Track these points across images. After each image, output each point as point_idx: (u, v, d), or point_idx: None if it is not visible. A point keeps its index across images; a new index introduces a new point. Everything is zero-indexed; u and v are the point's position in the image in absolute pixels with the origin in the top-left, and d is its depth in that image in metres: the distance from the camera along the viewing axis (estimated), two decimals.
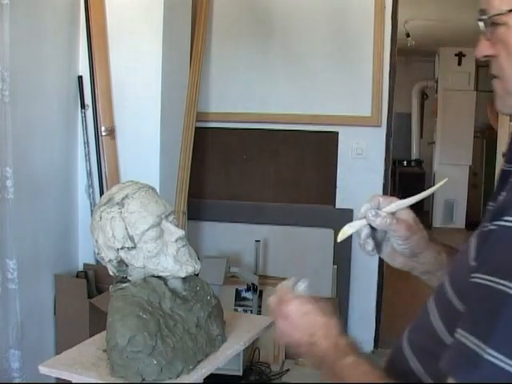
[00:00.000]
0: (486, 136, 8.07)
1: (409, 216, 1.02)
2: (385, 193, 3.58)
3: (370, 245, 1.02)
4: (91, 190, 2.93)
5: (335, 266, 3.50)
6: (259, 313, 3.35)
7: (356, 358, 0.89)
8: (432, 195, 8.12)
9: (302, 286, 1.03)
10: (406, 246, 1.02)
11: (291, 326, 0.98)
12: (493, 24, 0.81)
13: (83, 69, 2.91)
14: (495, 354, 0.65)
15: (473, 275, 0.73)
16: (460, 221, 7.65)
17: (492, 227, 0.72)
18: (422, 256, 1.04)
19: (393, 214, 1.01)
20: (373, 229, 1.02)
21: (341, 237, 1.04)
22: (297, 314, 0.97)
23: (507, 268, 0.67)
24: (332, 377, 0.91)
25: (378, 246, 1.05)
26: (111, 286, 1.20)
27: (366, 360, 0.88)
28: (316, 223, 3.54)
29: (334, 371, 0.91)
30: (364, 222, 1.01)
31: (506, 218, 0.70)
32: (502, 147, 6.65)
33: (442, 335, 0.83)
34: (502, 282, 0.67)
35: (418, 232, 1.02)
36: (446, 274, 0.90)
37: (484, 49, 0.86)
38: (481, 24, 0.84)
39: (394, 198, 1.03)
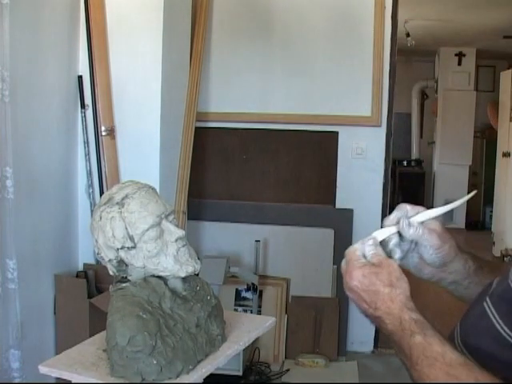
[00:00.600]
0: (485, 136, 8.08)
1: (437, 225, 1.02)
2: (385, 193, 3.59)
3: (398, 253, 1.00)
4: (91, 190, 2.94)
5: (335, 266, 3.50)
6: (259, 313, 3.36)
7: (422, 337, 0.86)
8: (432, 195, 8.13)
9: (367, 250, 0.97)
10: (438, 256, 1.02)
11: (357, 298, 0.94)
12: None
13: (83, 69, 2.91)
14: None
15: None
16: (460, 221, 7.65)
17: None
18: (451, 265, 1.04)
19: (422, 223, 1.01)
20: (400, 238, 1.01)
21: (380, 235, 1.01)
22: (360, 287, 0.93)
23: None
24: (403, 355, 0.88)
25: (404, 257, 1.03)
26: (111, 286, 1.20)
27: (434, 338, 0.85)
28: (316, 223, 3.54)
29: (402, 350, 0.88)
30: (394, 229, 1.00)
31: None
32: (501, 147, 6.65)
33: (508, 338, 0.82)
34: None
35: (448, 241, 1.02)
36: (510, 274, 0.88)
37: None
38: None
39: (420, 208, 1.02)
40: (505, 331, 0.84)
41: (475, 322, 0.92)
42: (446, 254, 1.02)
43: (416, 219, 1.00)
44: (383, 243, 1.00)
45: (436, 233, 1.01)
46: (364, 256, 0.96)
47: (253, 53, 3.61)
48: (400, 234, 1.01)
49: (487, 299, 0.91)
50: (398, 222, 1.01)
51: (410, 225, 0.99)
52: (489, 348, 0.86)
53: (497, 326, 0.86)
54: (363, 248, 0.97)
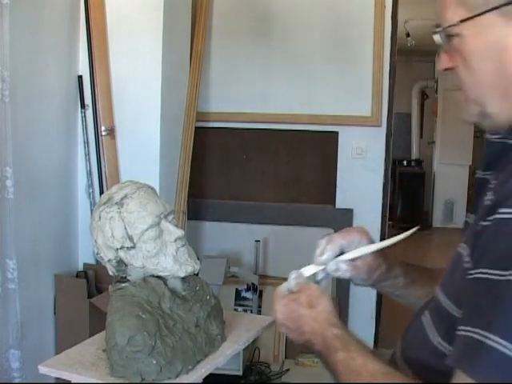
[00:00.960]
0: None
1: (367, 254, 1.07)
2: (385, 193, 3.58)
3: (324, 284, 1.08)
4: (91, 190, 2.94)
5: None
6: (259, 312, 3.35)
7: (345, 352, 0.87)
8: (432, 195, 8.13)
9: (291, 282, 1.03)
10: (366, 283, 1.10)
11: (287, 329, 0.99)
12: (448, 36, 0.84)
13: (83, 69, 2.91)
14: (499, 340, 0.65)
15: (470, 273, 0.74)
16: (460, 221, 7.63)
17: (485, 223, 0.73)
18: (379, 284, 1.11)
19: (353, 259, 1.06)
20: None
21: (304, 273, 1.07)
22: (284, 317, 0.98)
23: (506, 258, 0.68)
24: (332, 373, 0.90)
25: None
26: (110, 286, 1.20)
27: (357, 351, 0.87)
28: (316, 223, 3.54)
29: (330, 367, 0.90)
30: (321, 268, 1.06)
31: (501, 211, 0.71)
32: None
33: (442, 349, 0.83)
34: (501, 272, 0.68)
35: (377, 270, 1.08)
36: (437, 288, 0.90)
37: (444, 62, 0.89)
38: (436, 37, 0.87)
39: (355, 235, 1.07)
40: (438, 342, 0.85)
41: (415, 334, 0.93)
42: (374, 281, 1.09)
43: (347, 257, 1.05)
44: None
45: (365, 267, 1.06)
46: (290, 290, 1.02)
47: (253, 53, 3.61)
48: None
49: (425, 312, 0.92)
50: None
51: (337, 269, 1.05)
52: (426, 359, 0.87)
53: (431, 337, 0.87)
54: (288, 283, 1.03)
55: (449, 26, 0.83)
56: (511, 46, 0.78)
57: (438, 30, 0.86)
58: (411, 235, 1.05)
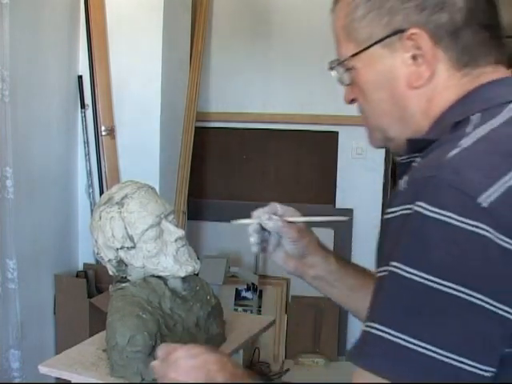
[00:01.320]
0: None
1: (300, 223, 1.14)
2: (385, 192, 3.59)
3: (255, 238, 1.13)
4: (91, 190, 2.93)
5: None
6: (259, 312, 3.36)
7: None
8: None
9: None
10: (297, 247, 1.12)
11: (184, 371, 0.97)
12: (346, 70, 0.92)
13: (83, 69, 2.91)
14: (381, 327, 0.70)
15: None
16: None
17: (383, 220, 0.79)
18: (310, 258, 1.14)
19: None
20: (268, 233, 1.13)
21: (235, 222, 1.16)
22: (187, 357, 0.97)
23: (386, 255, 0.73)
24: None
25: (272, 251, 1.16)
26: (111, 286, 1.20)
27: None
28: (316, 223, 3.53)
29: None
30: (256, 221, 1.12)
31: (387, 211, 0.76)
32: None
33: None
34: (382, 268, 0.73)
35: (307, 236, 1.14)
36: None
37: (347, 94, 0.96)
38: (333, 73, 0.95)
39: (289, 208, 1.15)
40: None
41: None
42: (305, 247, 1.13)
43: (286, 219, 1.12)
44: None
45: (296, 227, 1.12)
46: None
47: (253, 53, 3.61)
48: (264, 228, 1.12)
49: None
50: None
51: (270, 218, 1.10)
52: None
53: None
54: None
55: (343, 61, 0.91)
56: (399, 75, 0.85)
57: (333, 65, 0.94)
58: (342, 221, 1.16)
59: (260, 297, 3.43)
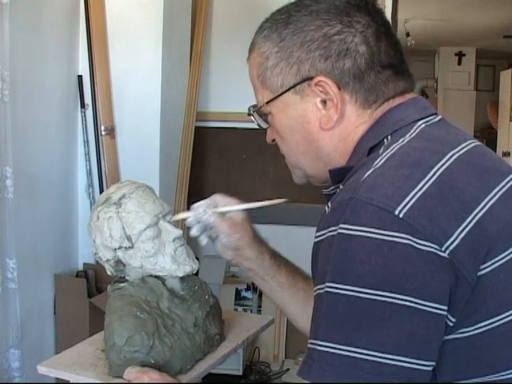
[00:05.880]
0: (485, 136, 8.08)
1: (237, 216, 1.18)
2: None
3: (194, 230, 1.16)
4: (91, 190, 2.94)
5: None
6: (259, 312, 3.36)
7: None
8: None
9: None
10: (229, 241, 1.16)
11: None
12: (262, 115, 0.99)
13: (83, 68, 2.92)
14: (324, 343, 0.74)
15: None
16: None
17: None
18: (244, 251, 1.18)
19: (223, 213, 1.17)
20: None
21: (174, 218, 1.20)
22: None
23: (321, 273, 0.78)
24: None
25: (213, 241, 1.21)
26: (109, 286, 1.20)
27: None
28: (316, 223, 3.53)
29: None
30: (191, 214, 1.16)
31: (315, 235, 0.85)
32: (501, 147, 6.65)
33: None
34: (319, 286, 0.78)
35: (241, 230, 1.17)
36: None
37: (269, 136, 1.03)
38: (252, 118, 1.02)
39: (232, 200, 1.19)
40: None
41: None
42: (237, 241, 1.16)
43: (219, 209, 1.16)
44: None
45: (230, 222, 1.16)
46: None
47: None
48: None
49: None
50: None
51: (204, 212, 1.15)
52: None
53: None
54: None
55: (260, 107, 0.98)
56: (311, 119, 0.92)
57: (251, 110, 1.01)
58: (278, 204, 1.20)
59: (260, 296, 3.43)
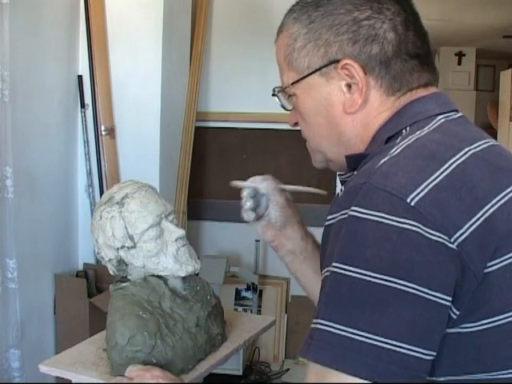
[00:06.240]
0: None
1: (289, 195, 1.23)
2: None
3: (250, 201, 1.21)
4: (91, 190, 2.94)
5: None
6: (259, 312, 3.36)
7: None
8: None
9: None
10: (281, 215, 1.19)
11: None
12: (287, 96, 1.01)
13: (83, 68, 2.92)
14: (326, 322, 0.74)
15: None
16: None
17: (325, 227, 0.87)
18: (290, 231, 1.20)
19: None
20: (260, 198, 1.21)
21: (234, 183, 1.25)
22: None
23: (329, 257, 0.79)
24: None
25: (263, 214, 1.22)
26: (111, 286, 1.20)
27: None
28: (316, 223, 3.53)
29: None
30: (251, 184, 1.21)
31: (327, 217, 0.86)
32: None
33: None
34: (326, 269, 0.79)
35: (293, 208, 1.22)
36: None
37: (291, 118, 1.05)
38: (276, 99, 1.04)
39: (280, 182, 1.23)
40: None
41: None
42: (289, 216, 1.20)
43: (283, 186, 1.20)
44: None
45: (284, 195, 1.20)
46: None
47: (253, 52, 3.61)
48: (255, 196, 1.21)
49: None
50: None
51: (264, 180, 1.20)
52: None
53: None
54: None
55: (285, 88, 1.00)
56: (335, 102, 0.93)
57: (275, 91, 1.03)
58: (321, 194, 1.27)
59: (260, 296, 3.43)
